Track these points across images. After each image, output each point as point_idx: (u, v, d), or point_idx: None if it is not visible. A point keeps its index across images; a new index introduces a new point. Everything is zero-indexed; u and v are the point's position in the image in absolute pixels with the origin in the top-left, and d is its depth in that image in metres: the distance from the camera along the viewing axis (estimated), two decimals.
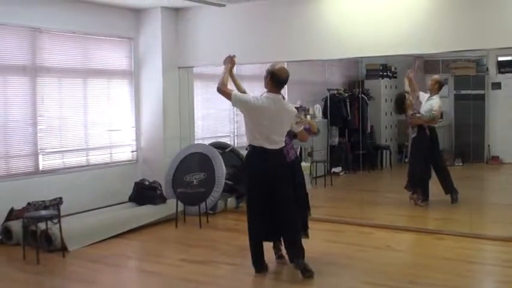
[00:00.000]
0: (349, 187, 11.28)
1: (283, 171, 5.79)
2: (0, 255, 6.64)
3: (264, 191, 5.70)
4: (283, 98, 5.83)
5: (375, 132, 13.15)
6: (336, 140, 12.55)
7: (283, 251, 6.03)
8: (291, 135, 6.10)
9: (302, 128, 5.95)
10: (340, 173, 12.25)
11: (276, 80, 5.66)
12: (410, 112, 8.96)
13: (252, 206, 5.85)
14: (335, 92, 12.52)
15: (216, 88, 5.86)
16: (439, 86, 9.26)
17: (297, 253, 5.69)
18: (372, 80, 13.17)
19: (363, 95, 12.78)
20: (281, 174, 5.75)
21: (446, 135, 13.11)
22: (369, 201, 9.56)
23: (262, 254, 5.85)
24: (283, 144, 5.80)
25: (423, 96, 9.28)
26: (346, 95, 12.63)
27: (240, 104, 5.76)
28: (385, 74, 13.22)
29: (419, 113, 8.92)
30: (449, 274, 5.75)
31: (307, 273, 5.61)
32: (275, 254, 6.15)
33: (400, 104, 9.08)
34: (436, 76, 9.79)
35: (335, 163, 12.30)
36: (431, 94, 9.16)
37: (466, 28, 6.98)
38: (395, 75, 13.53)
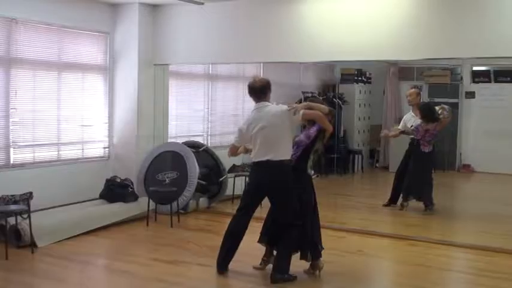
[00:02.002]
0: (321, 190, 11.01)
1: (281, 185, 5.58)
2: None
3: (255, 198, 5.76)
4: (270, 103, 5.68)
5: (348, 136, 13.24)
6: None
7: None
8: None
9: (301, 113, 5.43)
10: (313, 176, 12.21)
11: (249, 91, 5.72)
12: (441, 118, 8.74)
13: (242, 207, 5.85)
14: (310, 95, 12.53)
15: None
16: (420, 96, 9.22)
17: (277, 266, 5.61)
18: (347, 84, 13.29)
19: (337, 99, 12.84)
20: (278, 188, 5.59)
21: None
22: (341, 205, 9.62)
23: (230, 252, 5.78)
24: (286, 157, 5.54)
25: (408, 118, 9.14)
26: (321, 98, 12.63)
27: (245, 141, 5.79)
28: (359, 79, 13.37)
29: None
30: (422, 281, 5.78)
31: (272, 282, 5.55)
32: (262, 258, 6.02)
33: (432, 112, 8.65)
34: (414, 89, 9.75)
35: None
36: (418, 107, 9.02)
37: (442, 37, 7.03)
38: (369, 80, 13.68)
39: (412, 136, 8.80)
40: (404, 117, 9.37)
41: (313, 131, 5.66)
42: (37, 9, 7.73)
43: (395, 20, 7.28)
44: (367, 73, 13.66)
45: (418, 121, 8.75)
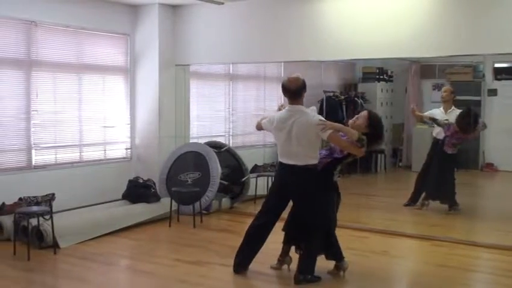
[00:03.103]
0: (344, 190, 10.99)
1: (306, 189, 5.51)
2: None
3: (278, 200, 5.72)
4: (306, 109, 5.57)
5: None
6: None
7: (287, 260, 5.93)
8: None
9: (328, 134, 5.30)
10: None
11: (283, 90, 5.57)
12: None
13: (264, 209, 5.83)
14: (331, 94, 12.46)
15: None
16: (454, 95, 9.10)
17: (301, 268, 5.54)
18: (368, 83, 13.17)
19: (358, 98, 12.75)
20: (302, 191, 5.53)
21: None
22: (364, 205, 9.51)
23: (250, 253, 5.78)
24: (312, 162, 5.48)
25: (437, 112, 9.04)
26: (342, 97, 12.59)
27: (268, 130, 5.77)
28: (381, 77, 13.22)
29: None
30: (445, 281, 5.70)
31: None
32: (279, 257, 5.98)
33: (473, 123, 8.47)
34: (447, 86, 9.60)
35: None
36: (449, 105, 8.97)
37: (464, 33, 6.94)
38: (391, 78, 13.52)
39: (440, 127, 8.69)
40: (433, 110, 9.26)
41: None
42: (56, 11, 7.81)
43: (416, 17, 7.20)
44: (389, 71, 13.50)
45: (444, 116, 8.74)
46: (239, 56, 8.84)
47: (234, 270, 5.78)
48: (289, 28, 8.10)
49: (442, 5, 7.13)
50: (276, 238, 5.87)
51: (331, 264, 5.79)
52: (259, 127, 5.91)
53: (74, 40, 8.18)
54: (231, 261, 5.92)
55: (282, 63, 11.56)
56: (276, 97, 11.73)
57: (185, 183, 8.50)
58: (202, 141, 9.52)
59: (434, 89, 12.59)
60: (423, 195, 8.89)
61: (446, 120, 8.64)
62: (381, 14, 7.42)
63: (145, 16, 8.91)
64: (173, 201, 8.02)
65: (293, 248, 5.92)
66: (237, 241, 6.00)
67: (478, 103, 12.64)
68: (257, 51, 8.53)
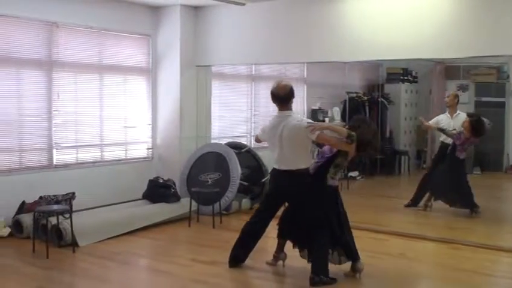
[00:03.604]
0: (365, 192, 11.14)
1: (299, 193, 5.60)
2: (9, 247, 6.63)
3: (273, 203, 5.86)
4: (294, 115, 5.66)
5: (394, 137, 13.03)
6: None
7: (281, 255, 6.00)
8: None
9: (316, 134, 5.38)
10: (357, 178, 12.13)
11: (272, 97, 5.68)
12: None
13: (258, 210, 6.04)
14: (354, 95, 12.42)
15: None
16: (458, 99, 9.15)
17: (314, 270, 5.52)
18: (393, 84, 13.09)
19: (382, 99, 12.67)
20: (296, 195, 5.62)
21: None
22: (385, 207, 9.44)
23: (244, 250, 5.90)
24: (303, 166, 5.56)
25: (443, 118, 9.09)
26: (366, 98, 12.54)
27: (265, 139, 5.93)
28: (405, 78, 13.13)
29: None
30: (462, 286, 5.64)
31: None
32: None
33: (483, 130, 8.43)
34: (452, 91, 9.69)
35: (352, 167, 12.16)
36: (454, 109, 9.02)
37: (487, 33, 6.84)
38: (416, 79, 13.42)
39: (449, 138, 8.68)
40: (439, 116, 9.26)
41: None
42: (78, 13, 7.88)
43: (440, 17, 7.11)
44: (413, 72, 13.41)
45: (450, 121, 8.81)
46: (261, 56, 8.83)
47: (229, 265, 5.91)
48: (312, 29, 8.06)
49: (464, 5, 7.03)
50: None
51: (347, 266, 5.75)
52: (257, 140, 6.14)
53: (95, 41, 8.26)
54: (248, 262, 5.96)
55: (305, 64, 11.55)
56: (298, 98, 11.71)
57: (205, 184, 8.53)
58: (224, 141, 9.54)
59: (459, 90, 12.45)
60: (426, 196, 8.89)
61: (454, 130, 8.61)
62: (403, 14, 7.35)
63: (167, 17, 8.95)
64: (193, 202, 8.03)
65: (291, 245, 5.98)
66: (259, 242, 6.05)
67: (502, 104, 12.54)
68: (279, 52, 8.51)
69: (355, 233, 7.38)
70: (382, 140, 12.56)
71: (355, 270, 5.73)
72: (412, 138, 13.62)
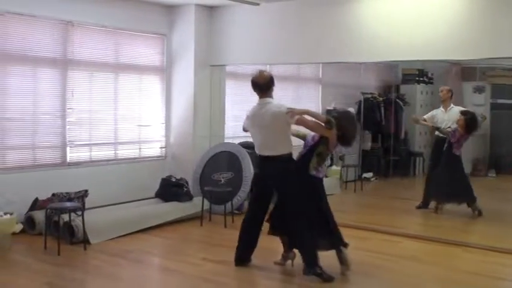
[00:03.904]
0: (379, 193, 11.11)
1: (282, 178, 5.69)
2: (21, 244, 6.67)
3: (261, 191, 5.90)
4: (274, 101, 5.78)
5: (409, 138, 12.96)
6: (369, 144, 12.41)
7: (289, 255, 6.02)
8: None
9: (296, 118, 5.54)
10: (371, 179, 12.09)
11: (253, 86, 5.81)
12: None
13: (250, 201, 6.21)
14: (369, 95, 12.36)
15: None
16: (452, 93, 9.30)
17: (305, 262, 5.65)
18: (408, 85, 13.01)
19: (398, 100, 12.60)
20: (279, 180, 5.70)
21: (480, 145, 12.84)
22: (398, 209, 9.40)
23: (245, 246, 5.97)
24: (285, 151, 5.67)
25: (437, 112, 9.26)
26: (381, 99, 12.48)
27: (247, 128, 6.02)
28: (421, 79, 13.04)
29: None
30: None
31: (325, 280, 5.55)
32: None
33: (476, 126, 8.66)
34: (445, 86, 9.74)
35: (366, 168, 12.15)
36: (448, 103, 9.16)
37: (505, 35, 6.77)
38: (431, 81, 13.34)
39: (443, 135, 8.83)
40: (433, 111, 9.45)
41: (317, 134, 5.78)
42: (93, 12, 7.93)
43: (456, 18, 7.06)
44: (429, 73, 13.33)
45: (445, 115, 8.97)
46: (275, 57, 8.81)
47: (235, 264, 5.97)
48: (326, 29, 8.04)
49: (481, 6, 6.97)
50: None
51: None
52: (244, 129, 6.18)
53: (110, 40, 8.30)
54: (258, 262, 5.98)
55: (320, 64, 11.52)
56: (313, 98, 11.71)
57: (218, 183, 8.54)
58: (237, 141, 9.53)
59: (475, 92, 12.39)
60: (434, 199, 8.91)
61: (449, 127, 8.71)
62: (419, 14, 7.29)
63: (181, 17, 8.97)
64: (205, 201, 8.05)
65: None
66: (267, 242, 6.07)
67: None
68: (293, 52, 8.48)
69: (367, 234, 7.45)
70: (397, 141, 12.54)
71: (342, 260, 5.80)
72: (427, 140, 13.49)
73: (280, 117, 5.59)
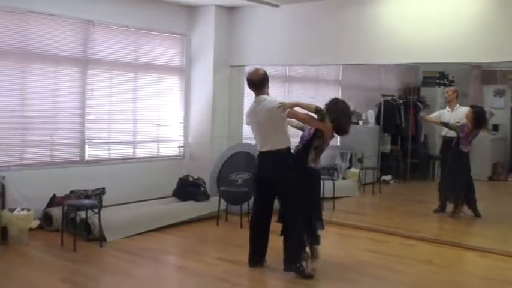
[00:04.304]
0: (397, 196, 11.06)
1: (280, 172, 5.74)
2: (38, 239, 6.75)
3: (263, 189, 5.95)
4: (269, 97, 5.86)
5: (429, 141, 12.87)
6: (388, 147, 12.35)
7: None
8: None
9: (287, 111, 5.59)
10: (390, 181, 12.04)
11: (248, 83, 5.94)
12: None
13: (254, 201, 6.18)
14: (389, 98, 12.30)
15: None
16: (457, 94, 9.41)
17: (289, 256, 5.75)
18: (429, 87, 12.91)
19: (418, 103, 12.52)
20: (277, 175, 5.75)
21: (500, 148, 12.73)
22: (416, 212, 9.33)
23: (255, 246, 6.00)
24: (283, 145, 5.74)
25: (444, 112, 9.35)
26: (401, 101, 12.40)
27: (248, 124, 6.14)
28: (442, 82, 12.92)
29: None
30: None
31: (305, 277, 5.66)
32: None
33: (485, 120, 8.73)
34: (451, 87, 9.97)
35: (385, 171, 12.08)
36: (454, 104, 9.25)
37: None
38: (452, 83, 13.21)
39: (450, 132, 8.86)
40: (440, 110, 9.56)
41: (313, 128, 5.87)
42: (113, 12, 8.01)
43: (477, 21, 7.01)
44: (450, 76, 13.21)
45: (451, 115, 8.99)
46: (294, 58, 8.82)
47: (249, 265, 6.01)
48: (346, 30, 8.03)
49: (502, 9, 6.89)
50: None
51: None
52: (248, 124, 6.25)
53: (130, 40, 8.38)
54: (273, 263, 5.98)
55: (340, 66, 11.49)
56: None
57: (235, 183, 8.56)
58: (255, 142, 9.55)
59: (495, 95, 12.28)
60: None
61: (458, 122, 8.71)
62: (440, 17, 7.25)
63: (201, 17, 9.02)
64: (222, 201, 8.07)
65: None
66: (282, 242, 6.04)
67: None
68: (313, 53, 8.49)
69: (383, 237, 7.43)
70: (417, 144, 12.46)
71: (312, 254, 5.97)
72: None
73: (274, 112, 5.65)
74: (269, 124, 5.73)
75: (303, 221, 5.81)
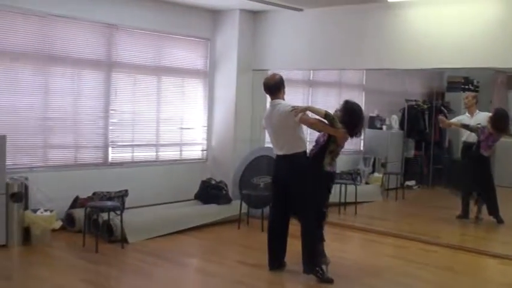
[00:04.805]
0: (421, 202, 10.99)
1: (296, 176, 5.75)
2: (61, 240, 6.86)
3: (280, 192, 5.97)
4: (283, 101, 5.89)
5: (453, 146, 12.75)
6: (412, 152, 12.28)
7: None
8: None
9: (299, 116, 5.62)
10: (414, 187, 11.97)
11: (264, 88, 5.99)
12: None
13: (271, 205, 6.26)
14: (413, 103, 12.23)
15: None
16: (477, 100, 9.29)
17: (307, 260, 5.77)
18: (453, 92, 12.80)
19: (442, 108, 12.43)
20: (294, 178, 5.77)
21: None
22: (439, 218, 9.25)
23: (274, 250, 6.01)
24: (299, 149, 5.77)
25: (463, 118, 9.21)
26: (425, 106, 12.32)
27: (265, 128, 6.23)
28: (466, 87, 12.81)
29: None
30: None
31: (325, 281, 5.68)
32: None
33: (507, 124, 8.58)
34: (471, 92, 9.93)
35: (409, 176, 12.02)
36: (473, 109, 9.11)
37: None
38: (477, 89, 13.09)
39: (471, 138, 8.77)
40: (459, 116, 9.43)
41: None
42: (137, 16, 8.09)
43: (502, 26, 6.93)
44: (475, 81, 13.09)
45: (471, 120, 8.84)
46: (318, 62, 8.82)
47: (269, 268, 6.02)
48: (370, 35, 8.02)
49: None
50: None
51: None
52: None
53: (154, 43, 8.45)
54: (292, 266, 5.99)
55: (364, 71, 11.45)
56: None
57: (257, 187, 8.58)
58: None
59: None
60: (476, 208, 8.81)
61: (479, 124, 8.59)
62: (465, 22, 7.20)
63: (225, 21, 9.07)
64: (244, 204, 8.10)
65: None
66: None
67: None
68: (337, 58, 8.49)
69: (405, 243, 7.39)
70: (441, 149, 12.37)
71: None
72: None
73: (287, 117, 5.69)
74: (283, 128, 5.78)
75: (317, 225, 5.83)
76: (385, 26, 7.89)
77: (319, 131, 5.99)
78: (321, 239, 5.89)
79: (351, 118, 5.83)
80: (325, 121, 5.68)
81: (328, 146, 5.80)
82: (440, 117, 9.81)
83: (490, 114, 8.58)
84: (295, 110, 5.65)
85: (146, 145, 8.53)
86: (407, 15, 7.73)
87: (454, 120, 9.42)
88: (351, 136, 5.92)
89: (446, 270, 6.43)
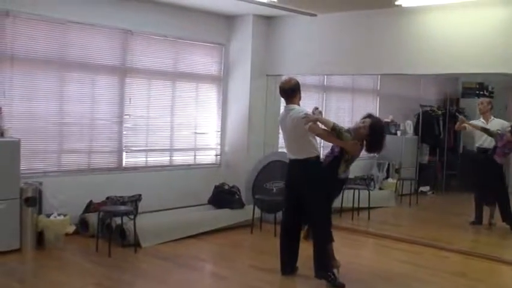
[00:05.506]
0: (435, 208, 10.95)
1: (308, 181, 5.77)
2: (74, 244, 6.92)
3: (292, 197, 6.00)
4: (296, 106, 5.89)
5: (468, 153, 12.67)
6: (426, 158, 12.24)
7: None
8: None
9: (308, 125, 5.61)
10: (428, 193, 11.92)
11: (280, 92, 6.03)
12: None
13: (284, 210, 6.30)
14: (428, 108, 12.19)
15: None
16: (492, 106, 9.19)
17: (319, 265, 5.79)
18: (468, 98, 12.74)
19: (457, 114, 12.36)
20: (306, 183, 5.78)
21: None
22: (452, 224, 9.22)
23: (286, 255, 6.03)
24: (311, 154, 5.77)
25: (477, 123, 9.07)
26: (440, 112, 12.28)
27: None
28: (481, 93, 12.74)
29: None
30: None
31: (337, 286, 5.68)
32: None
33: None
34: (485, 98, 9.78)
35: (423, 182, 11.97)
36: (488, 115, 9.03)
37: None
38: (492, 94, 13.00)
39: (486, 143, 8.73)
40: (474, 121, 9.27)
41: None
42: (152, 22, 8.14)
43: None
44: (490, 87, 13.02)
45: (486, 127, 8.72)
46: (332, 67, 8.81)
47: (281, 273, 6.04)
48: (384, 40, 8.00)
49: None
50: None
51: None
52: None
53: (169, 49, 8.50)
54: (304, 271, 6.00)
55: (379, 76, 11.43)
56: (370, 110, 11.61)
57: (270, 192, 8.60)
58: None
59: None
60: (489, 214, 8.78)
61: (498, 130, 8.53)
62: (480, 27, 7.16)
63: (240, 27, 9.11)
64: (257, 209, 8.12)
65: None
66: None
67: None
68: (351, 63, 8.48)
69: (418, 249, 7.37)
70: (455, 155, 12.31)
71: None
72: None
73: (299, 123, 5.70)
74: (295, 133, 5.80)
75: (329, 229, 5.84)
76: (400, 31, 7.87)
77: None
78: (331, 239, 5.86)
79: (373, 137, 5.90)
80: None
81: (343, 156, 5.83)
82: (461, 117, 9.71)
83: (506, 122, 8.54)
84: (307, 118, 5.67)
85: (160, 150, 8.57)
86: (422, 20, 7.70)
87: (473, 121, 9.28)
88: (369, 152, 6.02)
89: (459, 276, 6.40)
